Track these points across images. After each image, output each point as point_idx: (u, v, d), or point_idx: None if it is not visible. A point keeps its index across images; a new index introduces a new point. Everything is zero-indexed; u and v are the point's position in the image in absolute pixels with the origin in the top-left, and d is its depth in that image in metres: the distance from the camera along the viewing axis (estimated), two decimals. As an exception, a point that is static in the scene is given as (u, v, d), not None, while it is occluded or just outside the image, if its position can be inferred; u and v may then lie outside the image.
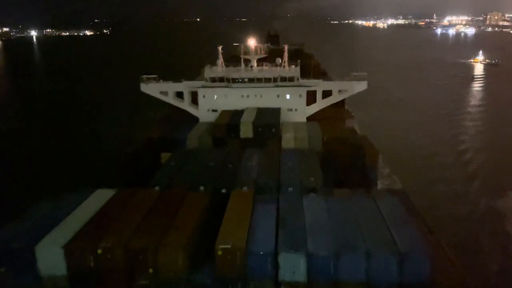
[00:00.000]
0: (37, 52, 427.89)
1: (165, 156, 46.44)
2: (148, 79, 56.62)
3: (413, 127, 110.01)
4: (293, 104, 55.06)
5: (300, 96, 54.94)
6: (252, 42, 57.77)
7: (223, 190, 30.65)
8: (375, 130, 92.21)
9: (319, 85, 55.98)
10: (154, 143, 47.09)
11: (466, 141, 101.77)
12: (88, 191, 29.54)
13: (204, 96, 55.31)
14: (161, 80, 57.39)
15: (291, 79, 54.95)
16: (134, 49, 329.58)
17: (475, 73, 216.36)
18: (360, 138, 49.51)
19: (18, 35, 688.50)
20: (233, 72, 54.88)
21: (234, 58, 61.14)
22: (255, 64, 57.79)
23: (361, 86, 55.94)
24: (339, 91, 56.79)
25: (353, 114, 64.13)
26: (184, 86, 56.38)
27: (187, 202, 28.18)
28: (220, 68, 56.85)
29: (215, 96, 55.18)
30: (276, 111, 52.49)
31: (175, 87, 56.90)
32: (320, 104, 56.77)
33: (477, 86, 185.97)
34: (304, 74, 58.97)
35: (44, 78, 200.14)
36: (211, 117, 54.15)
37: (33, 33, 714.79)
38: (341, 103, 62.96)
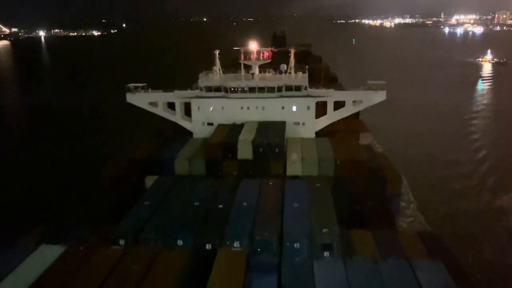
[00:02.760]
0: (44, 52, 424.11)
1: (150, 179, 39.96)
2: (136, 88, 49.63)
3: (425, 132, 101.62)
4: (300, 117, 47.75)
5: (309, 108, 47.57)
6: (253, 45, 50.40)
7: (208, 246, 23.56)
8: (385, 136, 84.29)
9: (331, 95, 48.46)
10: (138, 164, 40.28)
11: (484, 146, 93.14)
12: (29, 247, 22.66)
13: (198, 108, 48.25)
14: (150, 89, 50.33)
15: (298, 88, 47.58)
16: (136, 51, 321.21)
17: (483, 72, 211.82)
18: (379, 160, 42.07)
19: (26, 35, 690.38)
20: (231, 80, 47.70)
21: (234, 64, 53.86)
22: (256, 70, 50.52)
23: (379, 96, 48.27)
24: (354, 102, 49.20)
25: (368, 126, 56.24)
26: (176, 96, 49.31)
27: (157, 266, 21.12)
28: (216, 76, 49.74)
29: (211, 108, 48.10)
30: (280, 126, 45.29)
31: (165, 97, 49.81)
32: (332, 116, 49.29)
33: (486, 85, 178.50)
34: (313, 79, 51.62)
35: (40, 85, 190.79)
36: (206, 132, 47.27)
37: (41, 33, 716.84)
38: (355, 114, 55.32)
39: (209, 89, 47.85)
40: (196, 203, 28.44)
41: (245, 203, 28.11)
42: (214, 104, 47.80)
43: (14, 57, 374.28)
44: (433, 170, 75.09)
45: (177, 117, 50.17)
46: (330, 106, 48.88)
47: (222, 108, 47.67)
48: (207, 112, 48.06)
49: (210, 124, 48.07)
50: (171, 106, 50.71)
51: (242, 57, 50.10)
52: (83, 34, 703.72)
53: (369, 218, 38.45)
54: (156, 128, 53.28)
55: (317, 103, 48.39)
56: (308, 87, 48.03)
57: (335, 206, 31.78)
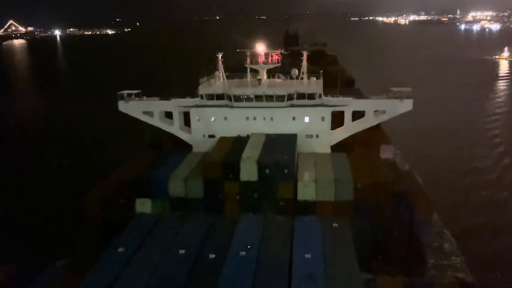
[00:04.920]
0: (59, 52, 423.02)
1: (141, 203, 35.25)
2: (129, 95, 44.71)
3: (448, 136, 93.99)
4: (313, 129, 42.19)
5: (323, 119, 41.93)
6: (260, 47, 44.86)
7: None
8: (405, 143, 77.24)
9: (349, 104, 42.65)
10: (128, 184, 35.46)
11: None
12: None
13: (198, 119, 43.09)
14: (145, 97, 45.37)
15: (311, 96, 42.00)
16: (144, 52, 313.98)
17: (501, 70, 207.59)
18: (405, 181, 36.20)
19: (42, 34, 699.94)
20: (235, 87, 42.35)
21: (240, 68, 48.43)
22: (264, 76, 45.02)
23: (405, 106, 42.28)
24: (375, 111, 43.22)
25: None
26: (173, 105, 44.21)
27: None
28: (219, 82, 44.50)
29: (212, 118, 42.93)
30: (290, 140, 39.85)
31: (162, 106, 44.77)
32: (349, 128, 43.49)
33: (504, 84, 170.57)
34: (328, 83, 46.29)
35: (47, 88, 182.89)
36: (207, 145, 42.33)
37: (57, 32, 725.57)
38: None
39: (210, 97, 42.70)
40: (182, 251, 23.05)
41: (242, 253, 22.58)
42: (216, 114, 42.63)
43: (28, 57, 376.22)
44: (464, 185, 67.09)
45: (175, 128, 45.11)
46: (347, 117, 43.10)
47: (225, 118, 42.48)
48: (208, 123, 42.90)
49: (211, 136, 42.95)
50: (169, 115, 45.70)
51: (248, 60, 44.70)
52: (98, 33, 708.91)
53: (394, 251, 33.03)
54: (154, 139, 48.26)
55: (333, 113, 42.67)
56: (322, 95, 42.32)
57: (354, 236, 26.30)
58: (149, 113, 44.92)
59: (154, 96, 45.27)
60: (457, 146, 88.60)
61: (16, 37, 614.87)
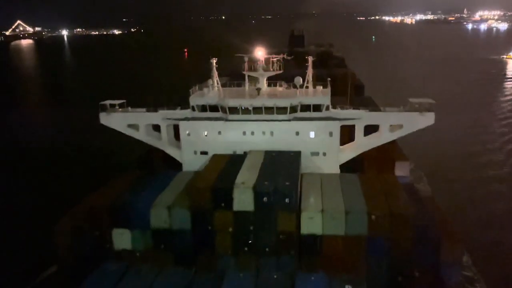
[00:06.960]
0: (66, 52, 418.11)
1: (118, 233, 30.53)
2: (112, 106, 39.75)
3: (467, 145, 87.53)
4: (320, 145, 36.89)
5: (331, 134, 36.59)
6: (260, 52, 39.59)
7: None
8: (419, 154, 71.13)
9: (361, 118, 37.23)
10: (103, 213, 30.64)
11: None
12: None
13: (188, 133, 37.95)
14: (129, 108, 40.39)
15: (317, 107, 36.74)
16: (145, 54, 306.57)
17: (508, 70, 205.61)
18: (428, 209, 30.90)
19: (50, 34, 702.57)
20: (231, 98, 37.18)
21: (238, 76, 43.22)
22: (264, 85, 39.79)
23: (426, 120, 36.82)
24: (391, 126, 37.76)
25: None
26: (161, 118, 39.14)
27: None
28: (213, 92, 39.38)
29: (205, 133, 37.80)
30: (293, 159, 34.71)
31: (148, 119, 39.65)
32: (361, 145, 38.13)
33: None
34: (335, 89, 41.26)
35: (44, 91, 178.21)
36: (199, 163, 37.50)
37: (64, 32, 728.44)
38: None
39: (203, 108, 37.64)
40: None
41: None
42: (209, 128, 37.48)
43: (34, 57, 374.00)
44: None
45: (162, 143, 39.98)
46: (359, 131, 37.68)
47: (219, 133, 37.35)
48: (199, 138, 37.75)
49: (203, 153, 37.82)
50: (157, 128, 40.63)
51: (246, 67, 39.49)
52: (104, 33, 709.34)
53: None
54: (142, 155, 42.97)
55: (342, 126, 37.30)
56: (330, 107, 36.96)
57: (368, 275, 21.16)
58: (134, 126, 39.90)
59: (140, 107, 40.17)
60: (470, 152, 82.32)
61: (24, 37, 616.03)
